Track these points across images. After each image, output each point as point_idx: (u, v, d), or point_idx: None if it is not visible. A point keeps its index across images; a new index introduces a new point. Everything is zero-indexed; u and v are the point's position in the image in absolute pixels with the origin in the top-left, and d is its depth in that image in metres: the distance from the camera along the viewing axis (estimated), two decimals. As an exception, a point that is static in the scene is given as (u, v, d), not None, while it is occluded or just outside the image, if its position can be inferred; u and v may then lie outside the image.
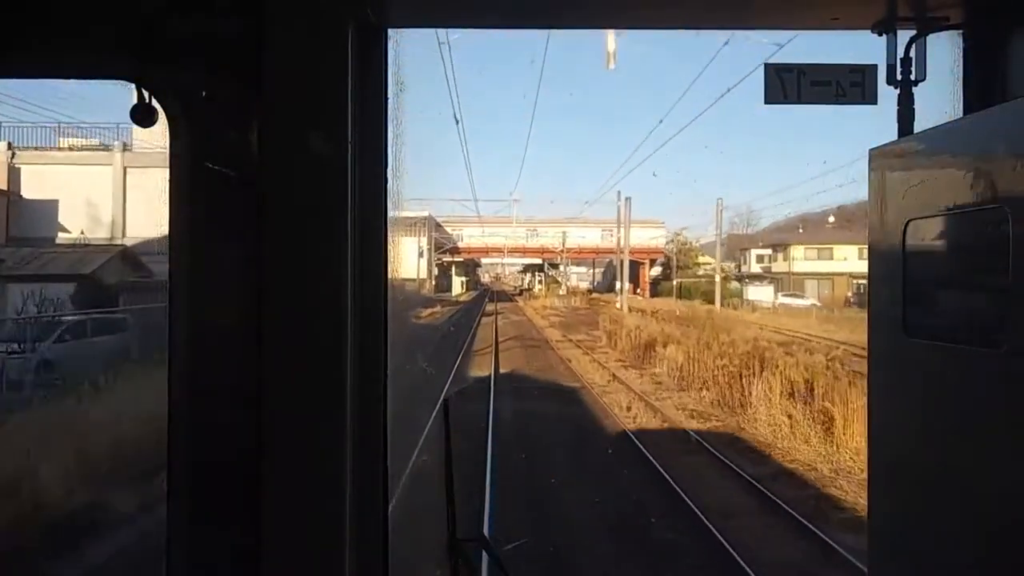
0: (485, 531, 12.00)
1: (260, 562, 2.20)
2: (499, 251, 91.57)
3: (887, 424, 2.97)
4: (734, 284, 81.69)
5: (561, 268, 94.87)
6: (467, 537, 2.63)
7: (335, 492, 2.25)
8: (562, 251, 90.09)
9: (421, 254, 68.98)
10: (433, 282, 76.59)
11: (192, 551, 2.30)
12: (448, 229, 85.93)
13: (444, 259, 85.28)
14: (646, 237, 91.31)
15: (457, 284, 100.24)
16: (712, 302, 66.80)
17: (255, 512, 2.19)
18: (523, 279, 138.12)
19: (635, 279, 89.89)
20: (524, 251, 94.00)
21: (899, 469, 2.90)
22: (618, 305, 56.94)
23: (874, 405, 3.04)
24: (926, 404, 2.77)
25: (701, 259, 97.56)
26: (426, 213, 69.56)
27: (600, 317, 47.38)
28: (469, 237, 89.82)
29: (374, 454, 2.39)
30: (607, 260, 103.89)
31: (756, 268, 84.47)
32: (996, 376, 2.41)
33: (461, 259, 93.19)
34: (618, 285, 63.36)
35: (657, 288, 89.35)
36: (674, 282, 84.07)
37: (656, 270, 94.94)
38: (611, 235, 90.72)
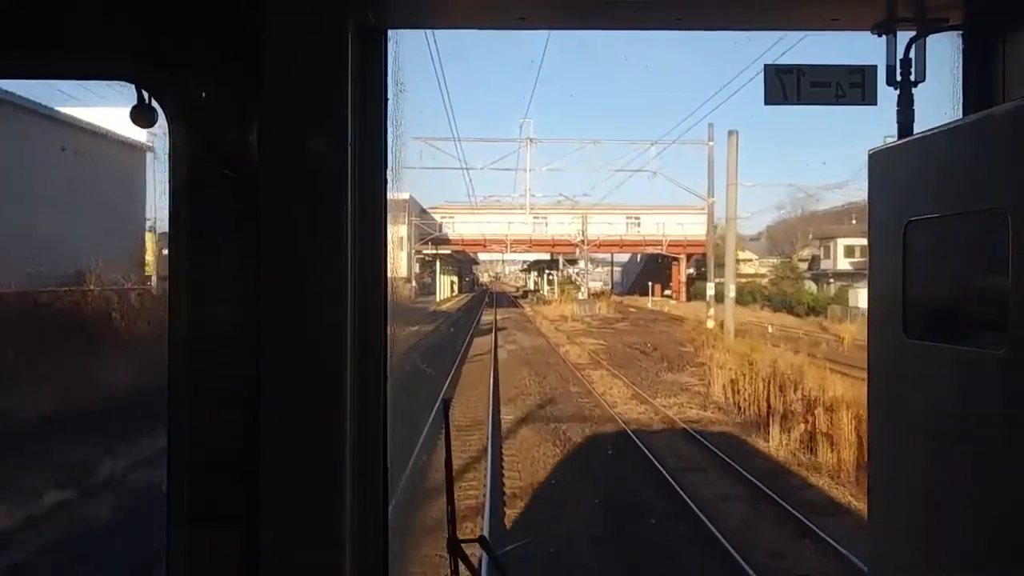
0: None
1: (259, 562, 2.20)
2: (501, 243, 73.70)
3: (887, 424, 2.98)
4: (808, 284, 65.38)
5: (581, 264, 76.78)
6: (467, 538, 2.63)
7: (335, 492, 2.25)
8: (582, 242, 71.80)
9: (399, 246, 55.16)
10: (414, 283, 62.33)
11: (192, 551, 2.30)
12: (436, 217, 70.15)
13: (426, 252, 69.43)
14: (684, 226, 71.50)
15: (445, 285, 79.74)
16: (788, 310, 52.98)
17: (255, 512, 2.19)
18: (527, 279, 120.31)
19: (664, 279, 75.99)
20: (531, 244, 75.34)
21: (899, 469, 2.90)
22: (710, 323, 39.61)
23: (874, 406, 3.04)
24: (926, 405, 2.77)
25: (741, 255, 77.25)
26: (407, 195, 54.90)
27: (700, 348, 31.25)
28: (463, 226, 72.12)
29: (374, 454, 2.39)
30: (628, 256, 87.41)
31: (845, 264, 61.68)
32: (996, 377, 2.41)
33: (448, 251, 73.96)
34: (709, 289, 43.86)
35: (690, 289, 72.44)
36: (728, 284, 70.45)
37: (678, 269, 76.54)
38: (637, 223, 74.69)
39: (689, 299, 69.36)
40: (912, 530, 2.82)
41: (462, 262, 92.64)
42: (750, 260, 77.44)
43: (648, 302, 69.26)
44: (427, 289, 70.29)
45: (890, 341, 2.89)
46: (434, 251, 69.64)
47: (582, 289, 73.68)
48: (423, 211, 65.54)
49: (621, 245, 77.81)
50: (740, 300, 58.36)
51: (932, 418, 2.73)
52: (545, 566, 11.60)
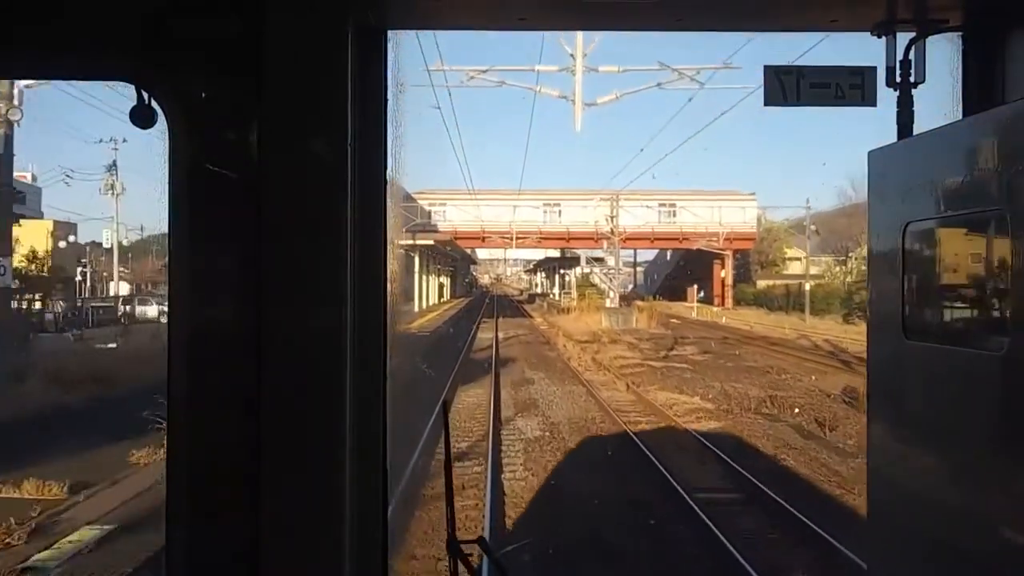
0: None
1: (259, 563, 2.20)
2: (504, 236, 58.17)
3: (887, 425, 2.98)
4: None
5: (611, 261, 57.05)
6: (466, 539, 2.63)
7: (335, 493, 2.25)
8: (611, 232, 53.87)
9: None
10: (393, 286, 40.54)
11: (191, 552, 2.30)
12: (423, 204, 53.96)
13: (402, 243, 48.53)
14: (730, 217, 59.51)
15: (431, 289, 60.15)
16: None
17: (255, 512, 2.20)
18: (532, 280, 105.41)
19: (701, 280, 63.04)
20: (540, 238, 59.87)
21: (898, 470, 2.91)
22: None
23: (874, 407, 3.04)
24: (925, 406, 2.78)
25: (788, 252, 66.51)
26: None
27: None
28: (456, 214, 57.20)
29: (374, 455, 2.39)
30: (654, 252, 71.71)
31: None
32: (995, 378, 2.41)
33: (432, 242, 53.86)
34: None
35: (735, 293, 61.35)
36: (805, 287, 51.50)
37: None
38: (671, 213, 59.70)
39: (735, 304, 58.09)
40: (911, 530, 2.83)
41: (457, 260, 77.49)
42: (798, 258, 64.30)
43: (690, 310, 56.71)
44: (405, 295, 51.61)
45: (889, 342, 2.89)
46: (412, 242, 50.44)
47: (611, 294, 55.26)
48: (407, 196, 50.05)
49: (653, 239, 61.75)
50: (814, 309, 47.94)
51: (931, 419, 2.74)
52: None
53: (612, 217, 53.97)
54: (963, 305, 2.89)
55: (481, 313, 54.77)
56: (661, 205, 60.68)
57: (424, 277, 55.82)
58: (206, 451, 2.28)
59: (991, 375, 2.44)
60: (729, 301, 60.52)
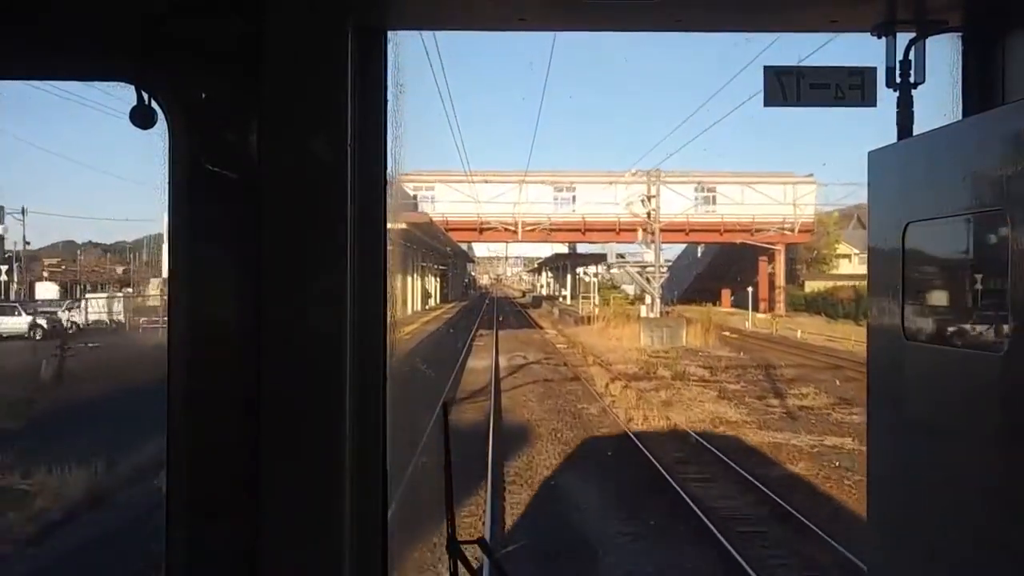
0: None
1: (259, 563, 2.21)
2: (509, 226, 47.81)
3: (886, 426, 2.98)
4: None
5: (647, 256, 45.78)
6: (466, 539, 2.64)
7: (335, 493, 2.26)
8: (649, 215, 42.24)
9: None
10: None
11: (191, 551, 2.31)
12: (407, 188, 43.83)
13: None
14: (787, 202, 48.47)
15: (414, 293, 47.12)
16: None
17: (255, 512, 2.20)
18: (536, 282, 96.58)
19: (744, 279, 51.26)
20: (550, 229, 48.88)
21: (898, 470, 2.91)
22: None
23: (873, 407, 3.04)
24: (925, 407, 2.78)
25: (839, 248, 56.36)
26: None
27: None
28: (448, 200, 46.79)
29: (374, 455, 2.39)
30: (681, 248, 58.29)
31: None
32: (995, 378, 2.41)
33: (402, 225, 38.15)
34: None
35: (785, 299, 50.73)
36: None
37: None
38: (709, 200, 47.89)
39: (789, 311, 48.76)
40: (911, 530, 2.83)
41: (450, 258, 65.61)
42: (848, 255, 55.19)
43: (741, 319, 45.98)
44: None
45: (889, 343, 2.89)
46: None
47: (648, 299, 44.72)
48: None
49: (688, 231, 49.86)
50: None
51: (931, 420, 2.74)
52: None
53: (651, 197, 41.26)
54: (963, 305, 2.90)
55: (477, 323, 44.47)
56: (697, 189, 49.07)
57: (404, 277, 43.47)
58: (206, 451, 2.29)
59: (991, 375, 2.44)
60: (781, 306, 50.87)
